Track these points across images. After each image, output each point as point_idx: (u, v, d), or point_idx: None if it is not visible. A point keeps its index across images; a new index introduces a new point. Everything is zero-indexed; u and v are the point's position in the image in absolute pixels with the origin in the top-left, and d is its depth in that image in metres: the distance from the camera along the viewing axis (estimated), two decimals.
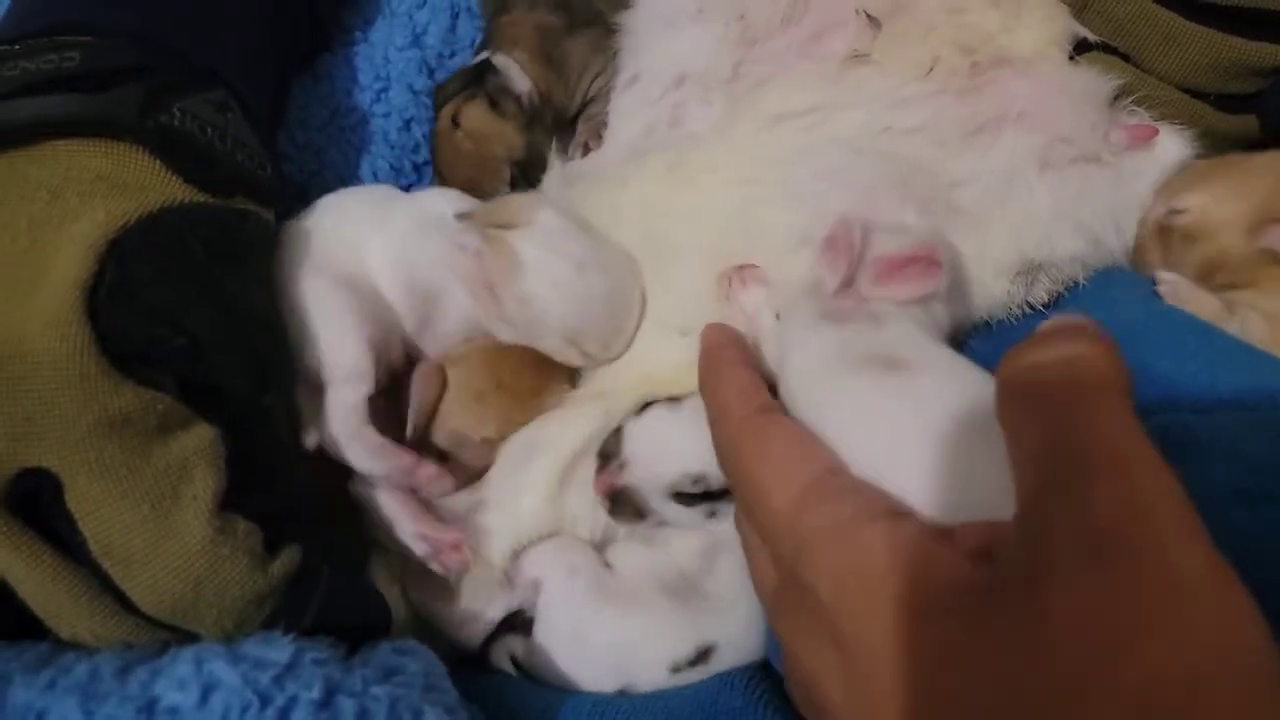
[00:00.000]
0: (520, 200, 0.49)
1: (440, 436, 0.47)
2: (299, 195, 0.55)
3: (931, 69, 0.49)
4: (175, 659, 0.33)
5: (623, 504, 0.45)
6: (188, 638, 0.35)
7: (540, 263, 0.46)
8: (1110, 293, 0.51)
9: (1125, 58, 0.53)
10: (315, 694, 0.32)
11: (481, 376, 0.47)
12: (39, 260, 0.34)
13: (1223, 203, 0.50)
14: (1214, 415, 0.41)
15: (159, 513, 0.33)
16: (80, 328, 0.33)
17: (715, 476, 0.44)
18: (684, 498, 0.45)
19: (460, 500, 0.47)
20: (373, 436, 0.44)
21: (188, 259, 0.38)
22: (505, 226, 0.47)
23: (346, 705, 0.32)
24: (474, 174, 0.56)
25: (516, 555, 0.46)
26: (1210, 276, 0.51)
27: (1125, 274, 0.53)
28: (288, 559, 0.36)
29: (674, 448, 0.44)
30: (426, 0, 0.59)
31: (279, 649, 0.34)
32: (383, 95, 0.57)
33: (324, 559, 0.38)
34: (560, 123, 0.57)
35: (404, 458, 0.44)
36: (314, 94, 0.56)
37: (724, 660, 0.45)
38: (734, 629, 0.45)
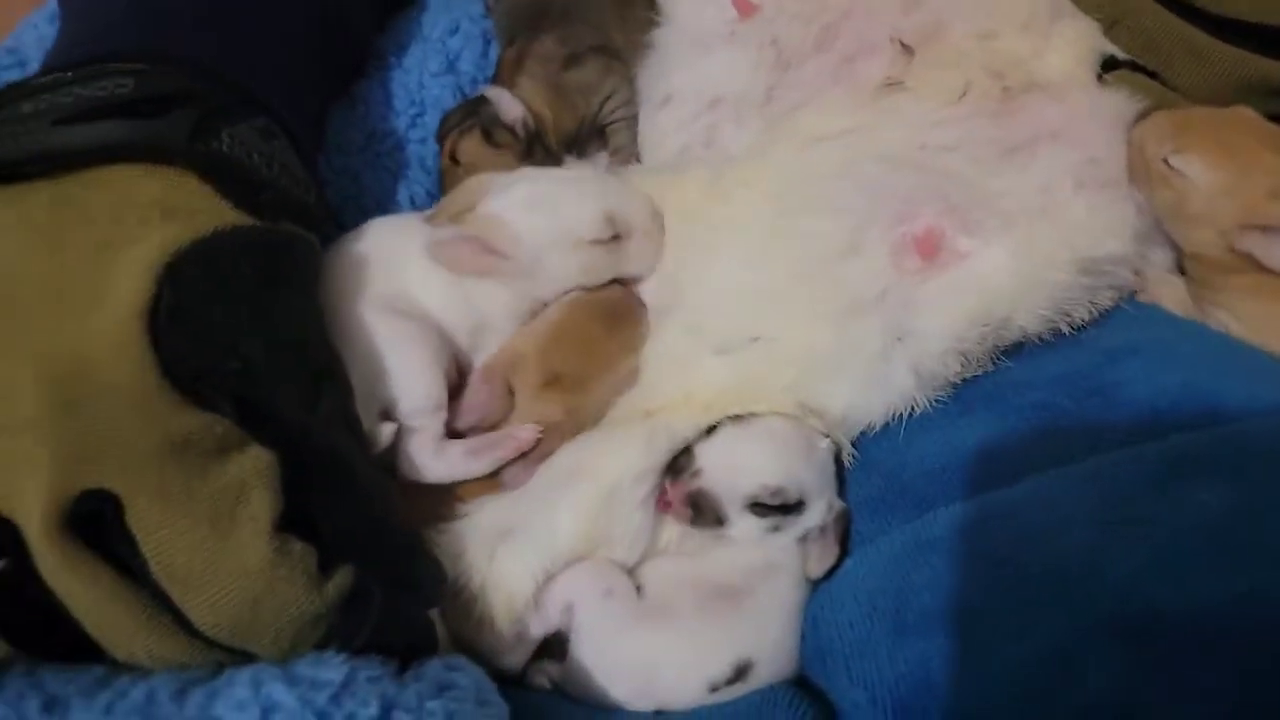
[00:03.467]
0: (469, 183, 0.52)
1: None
2: (335, 219, 0.55)
3: (964, 94, 0.50)
4: (231, 681, 0.33)
5: (703, 510, 0.47)
6: (243, 658, 0.34)
7: (507, 203, 0.49)
8: (1148, 313, 0.52)
9: (1153, 75, 0.54)
10: (372, 710, 0.32)
11: (536, 373, 0.48)
12: (100, 282, 0.35)
13: (1221, 195, 0.49)
14: (1265, 421, 0.41)
15: (218, 534, 0.33)
16: (145, 351, 0.34)
17: (791, 490, 0.47)
18: (760, 508, 0.47)
19: (487, 525, 0.47)
20: (459, 446, 0.46)
21: (239, 282, 0.38)
22: (468, 209, 0.50)
23: None
24: None
25: (548, 579, 0.46)
26: (1172, 231, 0.51)
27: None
28: (342, 580, 0.36)
29: (752, 461, 0.47)
30: (459, 27, 0.60)
31: (333, 669, 0.33)
32: (418, 120, 0.58)
33: (376, 579, 0.38)
34: (571, 145, 0.58)
35: (501, 441, 0.47)
36: (350, 119, 0.57)
37: (760, 677, 0.45)
38: (770, 644, 0.45)
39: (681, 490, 0.47)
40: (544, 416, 0.48)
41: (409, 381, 0.45)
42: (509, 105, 0.56)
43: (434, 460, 0.46)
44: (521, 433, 0.47)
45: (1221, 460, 0.39)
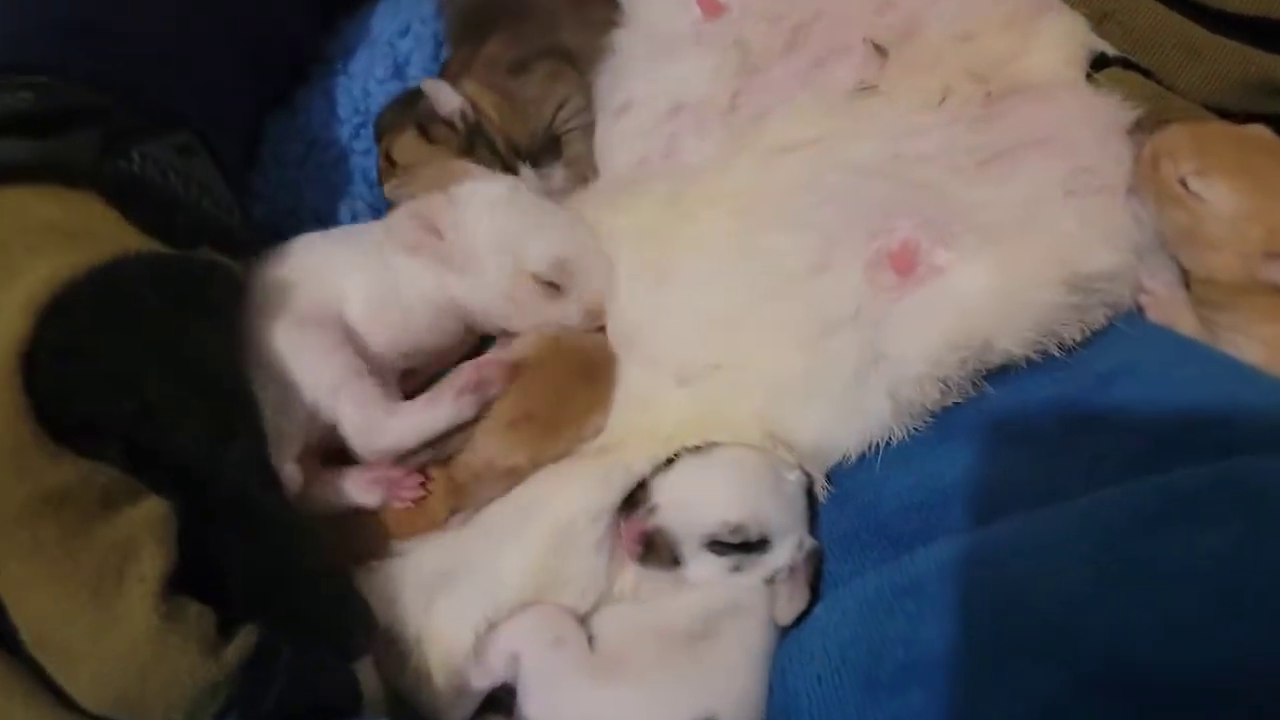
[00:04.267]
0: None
1: (461, 470, 0.45)
2: (273, 236, 0.52)
3: (943, 99, 0.47)
4: None
5: (657, 549, 0.44)
6: None
7: (473, 191, 0.47)
8: (1144, 331, 0.48)
9: (1146, 74, 0.51)
10: None
11: (513, 405, 0.45)
12: None
13: (1245, 221, 0.46)
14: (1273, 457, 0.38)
15: (101, 600, 0.30)
16: (13, 394, 0.31)
17: (753, 527, 0.43)
18: (719, 547, 0.44)
19: (425, 566, 0.44)
20: (416, 400, 0.44)
21: (141, 314, 0.35)
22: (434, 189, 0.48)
23: None
24: None
25: (491, 627, 0.42)
26: (1181, 254, 0.48)
27: None
28: (244, 642, 0.33)
29: (712, 496, 0.44)
30: (409, 28, 0.57)
31: None
32: (362, 130, 0.54)
33: (289, 633, 0.35)
34: (525, 154, 0.55)
35: (457, 375, 0.44)
36: (289, 129, 0.53)
37: None
38: (735, 698, 0.42)
39: (635, 527, 0.44)
40: (502, 457, 0.45)
41: (312, 364, 0.42)
42: (446, 96, 0.52)
43: (391, 419, 0.43)
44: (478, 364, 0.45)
45: (1224, 500, 0.36)
